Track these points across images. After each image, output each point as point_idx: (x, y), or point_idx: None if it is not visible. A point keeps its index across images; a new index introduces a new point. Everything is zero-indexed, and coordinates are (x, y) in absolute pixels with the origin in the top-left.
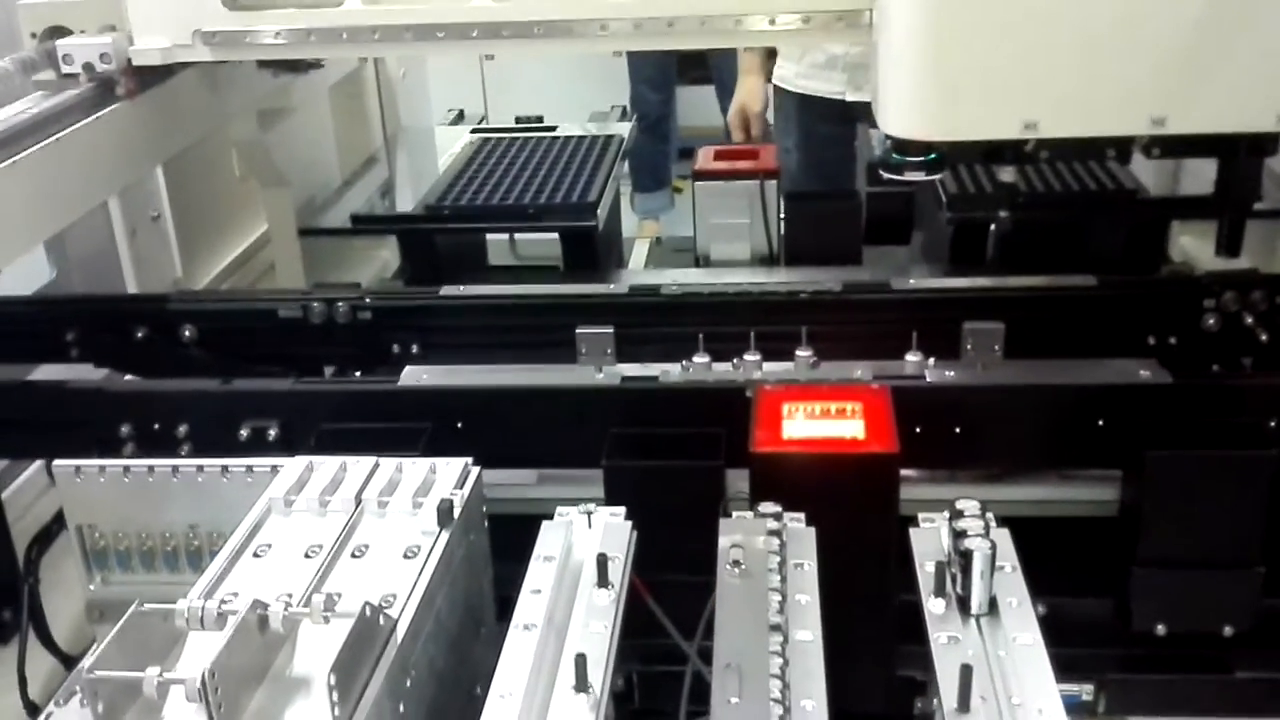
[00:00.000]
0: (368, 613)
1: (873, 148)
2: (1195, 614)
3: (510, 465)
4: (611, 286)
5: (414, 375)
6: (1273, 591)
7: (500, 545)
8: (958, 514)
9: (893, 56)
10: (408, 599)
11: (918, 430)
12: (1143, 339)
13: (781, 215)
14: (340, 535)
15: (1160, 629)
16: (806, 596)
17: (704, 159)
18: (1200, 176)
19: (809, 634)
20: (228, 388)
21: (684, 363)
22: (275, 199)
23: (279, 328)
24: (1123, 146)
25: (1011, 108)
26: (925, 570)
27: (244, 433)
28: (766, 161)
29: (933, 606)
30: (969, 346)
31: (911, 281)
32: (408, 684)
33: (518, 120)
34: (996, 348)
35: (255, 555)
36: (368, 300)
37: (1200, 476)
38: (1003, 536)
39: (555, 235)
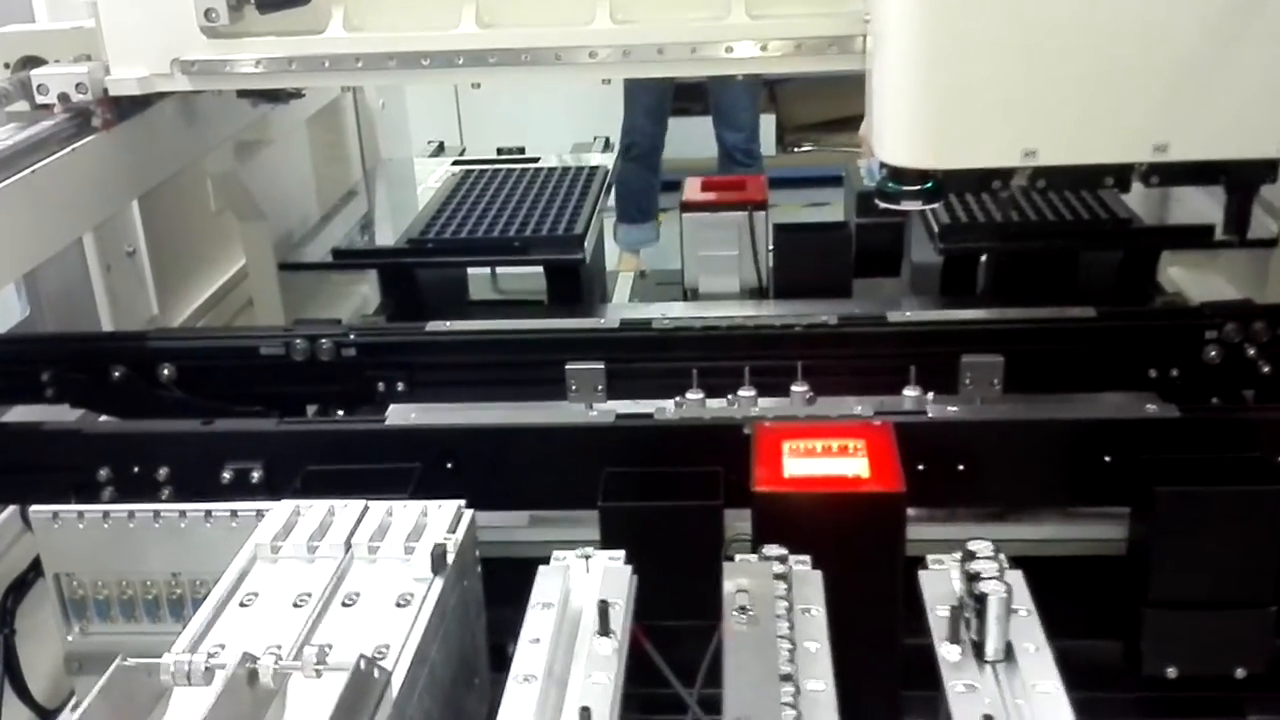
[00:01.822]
0: (362, 665)
1: (862, 178)
2: (1207, 656)
3: (502, 507)
4: (601, 321)
5: (401, 414)
6: None
7: (492, 590)
8: (970, 555)
9: (888, 83)
10: (401, 649)
11: (920, 467)
12: (1143, 371)
13: (770, 247)
14: (330, 583)
15: (1171, 672)
16: (816, 644)
17: (691, 190)
18: (1187, 205)
19: (821, 684)
20: (209, 429)
21: (678, 399)
22: (252, 233)
23: (261, 366)
24: (1122, 175)
25: (1010, 135)
26: (938, 615)
27: (227, 475)
28: (755, 192)
29: (947, 653)
30: (967, 380)
31: (907, 314)
32: None
33: (499, 152)
34: (996, 381)
35: (242, 605)
36: (352, 337)
37: (1211, 513)
38: (1017, 579)
39: (538, 268)
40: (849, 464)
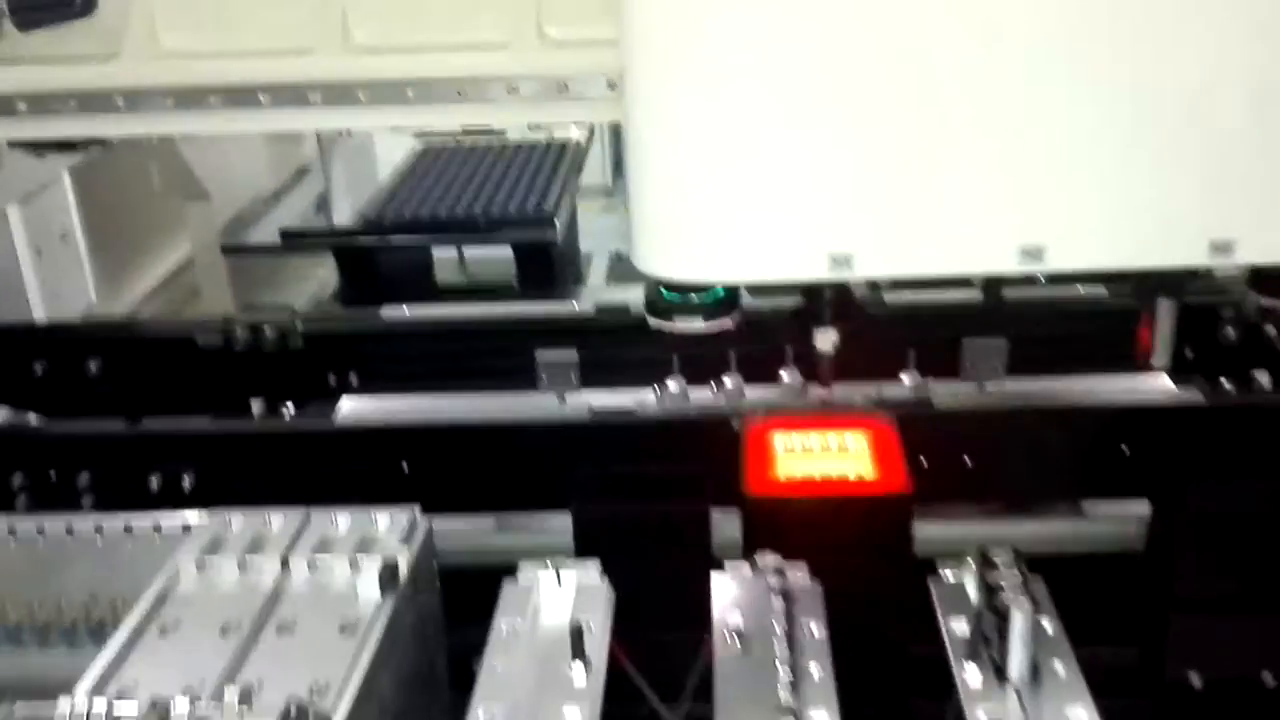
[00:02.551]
0: (292, 712)
1: None
2: (1235, 661)
3: (465, 511)
4: (575, 305)
5: (352, 411)
6: None
7: (455, 604)
8: (988, 563)
9: (641, 176)
10: (344, 685)
11: (924, 462)
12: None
13: None
14: (263, 607)
15: (1195, 678)
16: (820, 669)
17: None
18: None
19: (826, 716)
20: (136, 429)
21: (657, 389)
22: (196, 214)
23: (198, 359)
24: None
25: (809, 240)
26: (954, 632)
27: (155, 482)
28: None
29: (968, 676)
30: (969, 364)
31: (906, 294)
32: None
33: (466, 131)
34: (999, 365)
35: (161, 633)
36: (299, 325)
37: (1242, 508)
38: (1040, 589)
39: (508, 251)
40: (849, 463)
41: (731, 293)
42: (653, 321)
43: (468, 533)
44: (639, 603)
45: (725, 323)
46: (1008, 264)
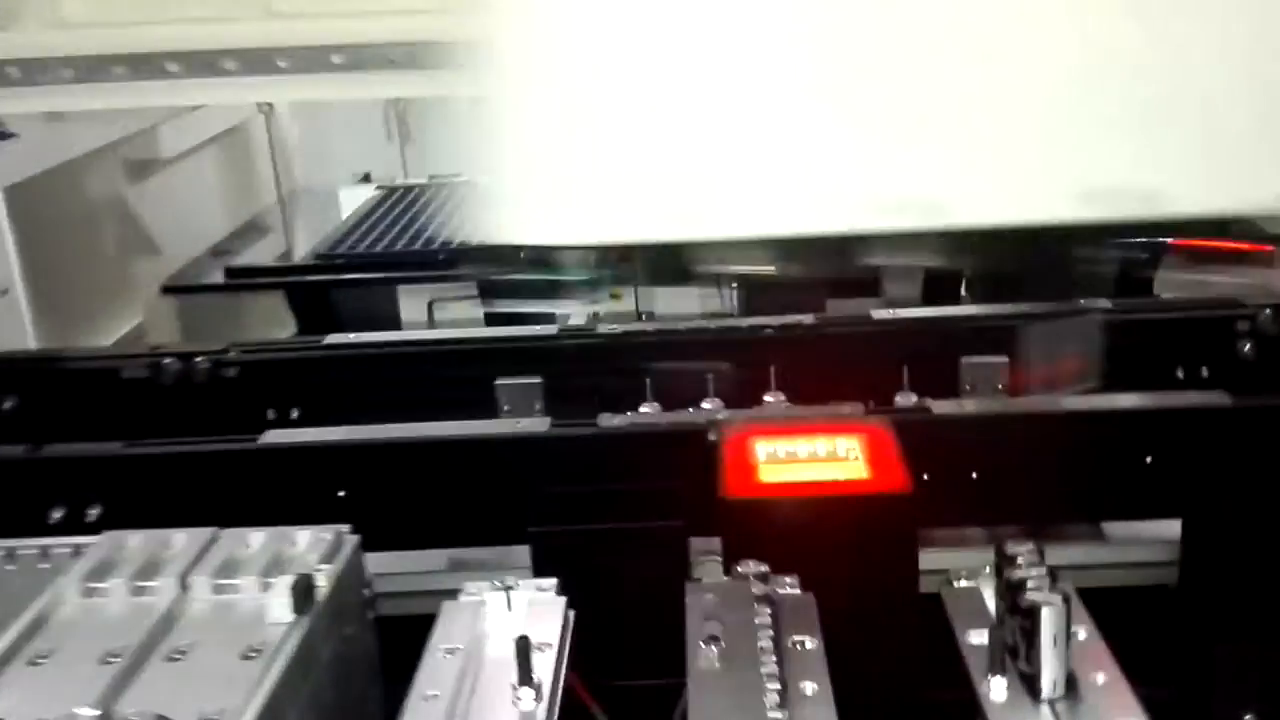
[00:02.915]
0: None
1: None
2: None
3: (411, 546)
4: (537, 328)
5: (280, 433)
6: None
7: (399, 653)
8: (1009, 561)
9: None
10: (239, 715)
11: (924, 477)
12: (1169, 370)
13: None
14: (153, 631)
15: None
16: (814, 685)
17: None
18: None
19: None
20: (35, 455)
21: (628, 414)
22: (145, 268)
23: (122, 393)
24: None
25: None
26: (971, 643)
27: (57, 515)
28: None
29: (992, 691)
30: (968, 385)
31: (897, 312)
32: None
33: (431, 179)
34: (1000, 385)
35: (30, 663)
36: (233, 354)
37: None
38: (1070, 590)
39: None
40: (841, 468)
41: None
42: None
43: (415, 574)
44: (606, 644)
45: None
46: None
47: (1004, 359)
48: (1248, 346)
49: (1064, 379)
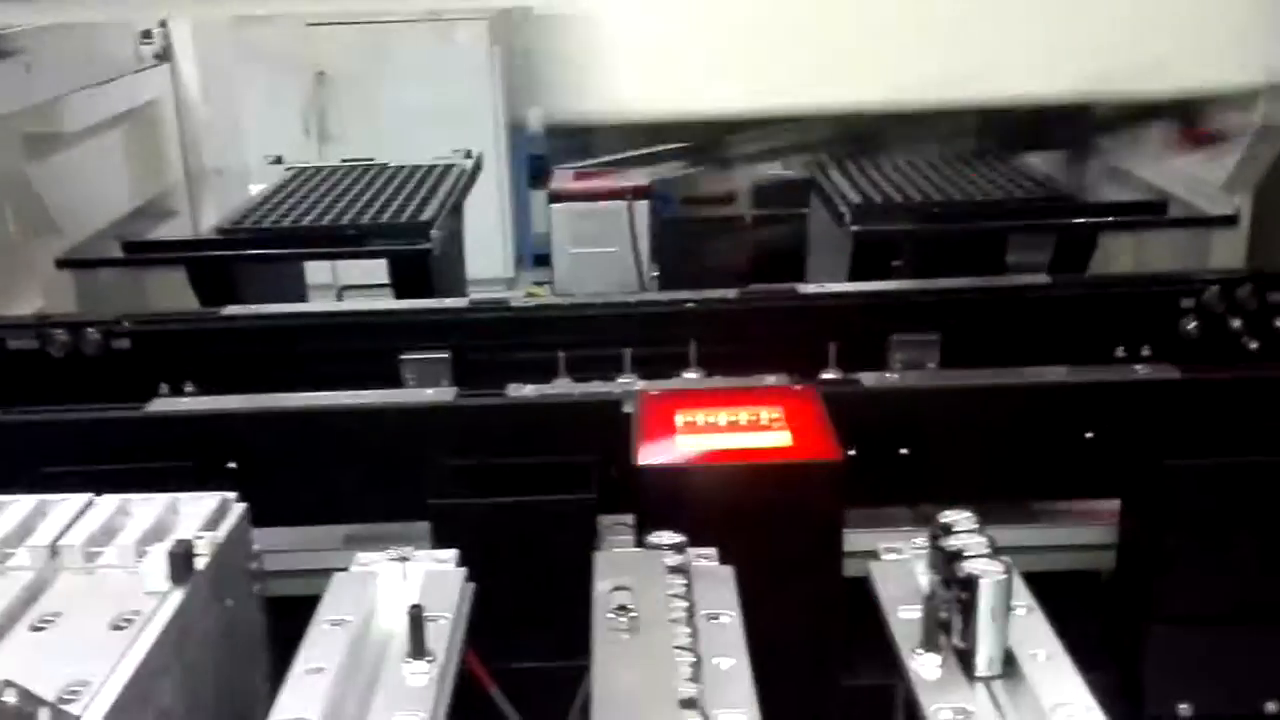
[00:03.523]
0: (12, 700)
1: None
2: (1229, 685)
3: (305, 521)
4: (445, 301)
5: (169, 401)
6: None
7: (293, 633)
8: (944, 530)
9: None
10: (101, 688)
11: (851, 452)
12: (1109, 349)
13: (654, 244)
14: (18, 600)
15: (1183, 709)
16: (732, 660)
17: (562, 179)
18: None
19: (741, 715)
20: None
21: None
22: (44, 250)
23: (9, 364)
24: None
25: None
26: (901, 617)
27: None
28: (636, 179)
29: (921, 668)
30: (898, 363)
31: (824, 286)
32: None
33: (344, 161)
34: (931, 364)
35: None
36: (125, 325)
37: (1230, 496)
38: (1010, 564)
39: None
40: (767, 436)
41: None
42: None
43: (309, 551)
44: (508, 620)
45: None
46: None
47: (935, 336)
48: (1192, 324)
49: None
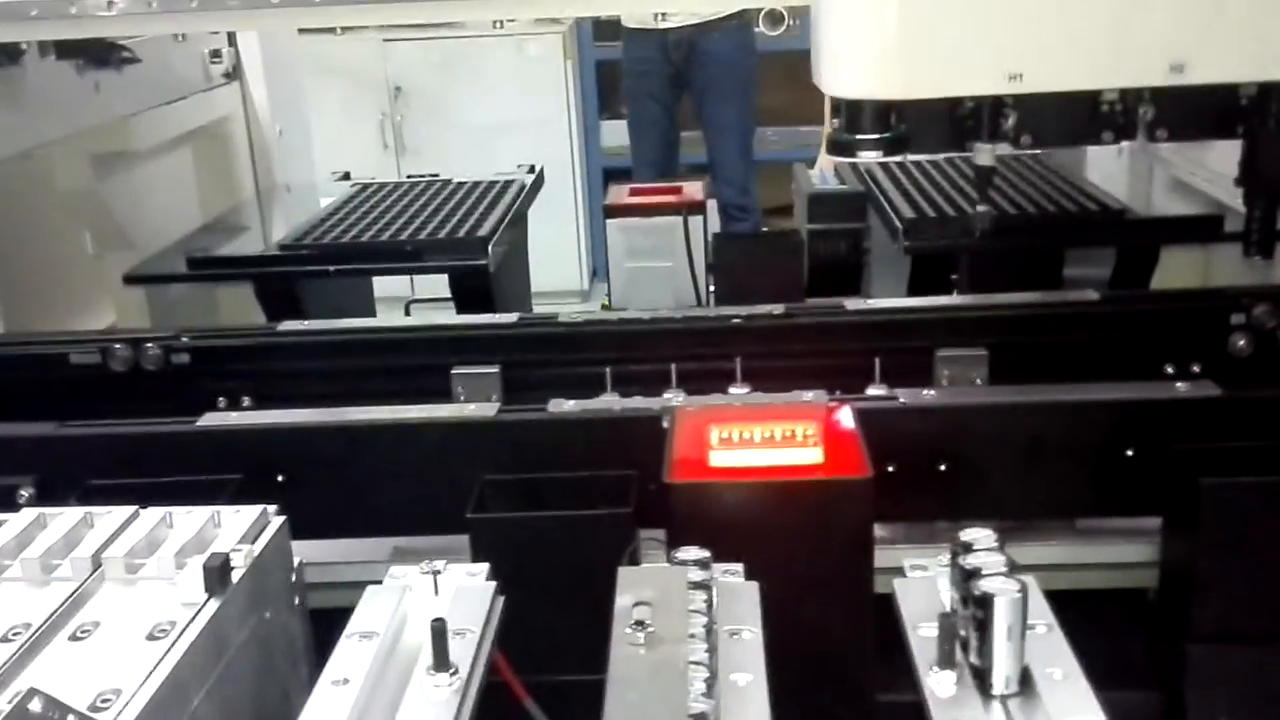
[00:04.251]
0: (36, 708)
1: (811, 182)
2: (1270, 703)
3: (352, 534)
4: (496, 317)
5: (219, 415)
6: None
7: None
8: (964, 548)
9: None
10: (132, 697)
11: (890, 469)
12: (1158, 366)
13: (709, 259)
14: (59, 609)
15: None
16: (749, 676)
17: (618, 195)
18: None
19: None
20: None
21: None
22: (117, 264)
23: (73, 378)
24: (1125, 125)
25: (990, 54)
26: (920, 634)
27: None
28: (691, 195)
29: (936, 685)
30: (944, 379)
31: (870, 302)
32: None
33: (409, 177)
34: (978, 380)
35: None
36: (184, 340)
37: (1265, 514)
38: (1031, 583)
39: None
40: (799, 453)
41: (899, 135)
42: (834, 157)
43: (359, 563)
44: (546, 632)
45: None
46: (1151, 78)
47: (982, 351)
48: (1241, 341)
49: None
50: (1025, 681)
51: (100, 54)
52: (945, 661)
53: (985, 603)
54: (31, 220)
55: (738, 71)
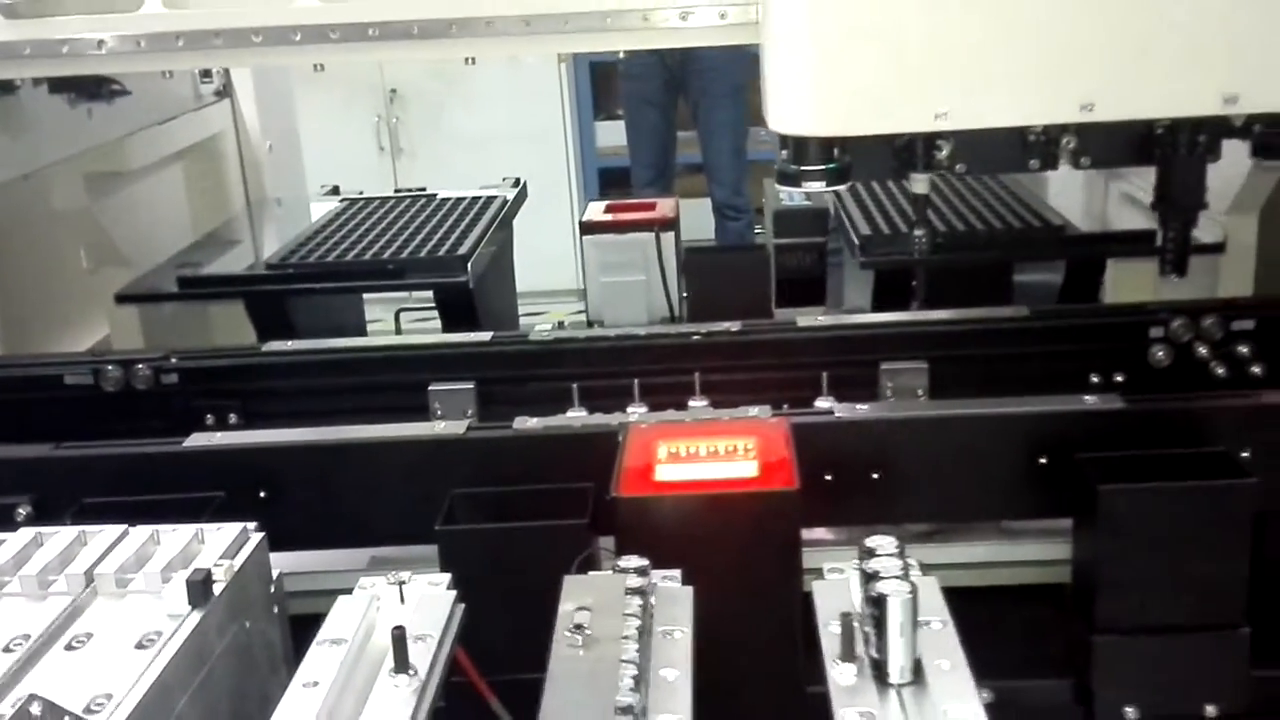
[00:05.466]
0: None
1: (779, 198)
2: (1171, 691)
3: (332, 545)
4: (471, 335)
5: (205, 436)
6: (1263, 659)
7: None
8: (868, 553)
9: (780, 40)
10: (122, 700)
11: (828, 477)
12: (1084, 377)
13: (680, 272)
14: (55, 621)
15: (1130, 712)
16: (675, 671)
17: (593, 212)
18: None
19: (675, 718)
20: None
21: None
22: (111, 281)
23: (66, 399)
24: (1048, 152)
25: (918, 96)
26: (830, 631)
27: None
28: (663, 212)
29: (839, 675)
30: (888, 390)
31: (820, 319)
32: None
33: (396, 192)
34: (920, 390)
35: None
36: (173, 361)
37: (1166, 516)
38: (929, 584)
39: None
40: (735, 466)
41: (841, 166)
42: (780, 188)
43: (338, 572)
44: (508, 639)
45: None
46: (1065, 115)
47: (923, 364)
48: (1160, 352)
49: None
50: (918, 672)
51: (91, 88)
52: (847, 655)
53: (881, 602)
54: (29, 240)
55: (731, 76)
